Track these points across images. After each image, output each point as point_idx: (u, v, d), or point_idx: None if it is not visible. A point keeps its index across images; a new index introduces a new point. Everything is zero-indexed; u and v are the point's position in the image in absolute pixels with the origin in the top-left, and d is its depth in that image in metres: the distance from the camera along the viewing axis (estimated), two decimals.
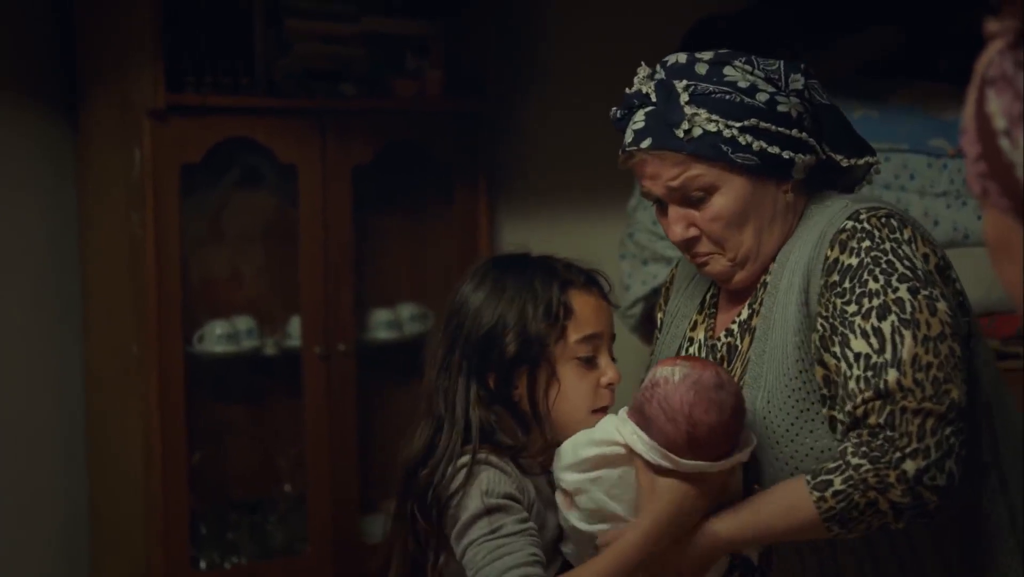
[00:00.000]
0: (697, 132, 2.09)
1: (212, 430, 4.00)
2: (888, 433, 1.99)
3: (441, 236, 4.47)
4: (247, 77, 3.91)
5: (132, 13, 3.70)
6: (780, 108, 2.11)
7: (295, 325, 4.04)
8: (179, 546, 3.77)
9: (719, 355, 2.21)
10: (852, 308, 2.04)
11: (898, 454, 1.98)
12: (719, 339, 2.23)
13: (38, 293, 3.90)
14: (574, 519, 2.15)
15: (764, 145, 2.09)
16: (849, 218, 2.07)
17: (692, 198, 2.13)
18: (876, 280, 2.03)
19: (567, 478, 2.14)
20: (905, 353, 1.99)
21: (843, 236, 2.06)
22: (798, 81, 2.14)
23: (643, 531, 2.09)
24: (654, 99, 2.15)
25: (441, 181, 4.43)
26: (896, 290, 2.02)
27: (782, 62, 2.14)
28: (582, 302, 2.23)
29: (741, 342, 2.19)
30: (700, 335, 2.28)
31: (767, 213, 2.14)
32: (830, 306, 2.06)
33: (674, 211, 2.15)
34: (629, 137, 2.16)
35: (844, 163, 2.17)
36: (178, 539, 3.77)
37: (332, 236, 4.03)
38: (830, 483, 2.01)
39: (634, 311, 3.80)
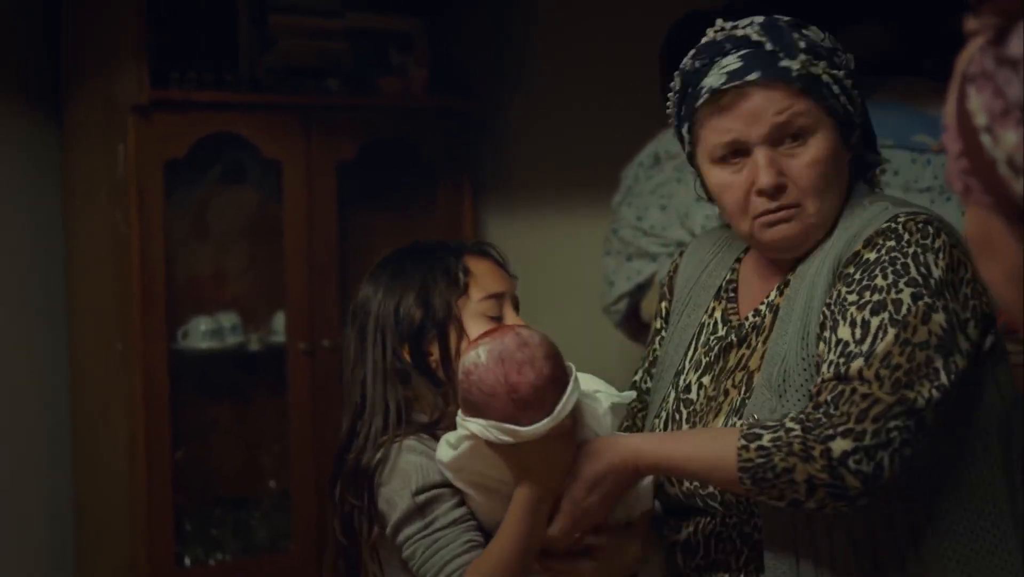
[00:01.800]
0: (803, 70, 2.08)
1: (196, 427, 4.00)
2: (831, 410, 2.00)
3: (426, 232, 4.45)
4: (231, 73, 3.90)
5: (116, 9, 3.70)
6: (851, 65, 2.12)
7: (279, 321, 4.04)
8: (164, 543, 3.77)
9: (744, 333, 2.22)
10: (852, 297, 2.04)
11: (831, 431, 1.98)
12: (746, 319, 2.22)
13: (22, 290, 3.89)
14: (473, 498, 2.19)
15: (846, 101, 2.10)
16: (887, 220, 2.08)
17: (792, 136, 2.10)
18: (885, 278, 2.03)
19: (447, 465, 2.16)
20: (880, 348, 2.00)
21: (875, 236, 2.07)
22: (850, 61, 2.14)
23: (524, 500, 2.13)
24: (759, 39, 2.12)
25: (426, 178, 4.43)
26: (900, 291, 2.02)
27: (834, 44, 2.15)
28: (479, 264, 2.31)
29: (765, 320, 2.19)
30: (717, 316, 2.28)
31: (841, 174, 2.13)
32: (835, 294, 2.07)
33: (765, 155, 2.11)
34: (719, 79, 2.11)
35: (869, 157, 2.19)
36: (163, 536, 3.77)
37: (316, 232, 4.03)
38: (759, 436, 2.01)
39: (618, 307, 3.80)
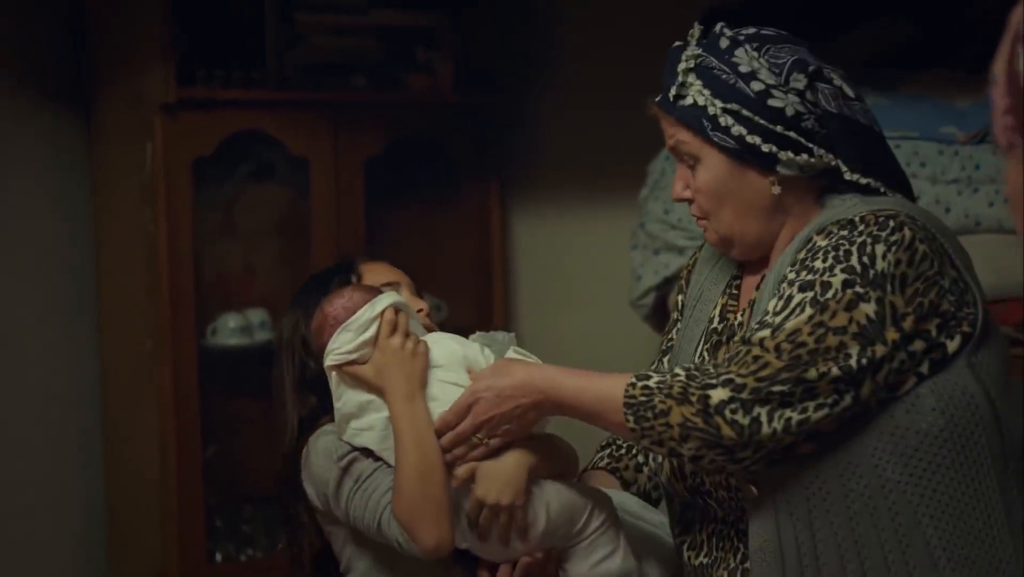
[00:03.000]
0: (688, 101, 2.16)
1: (226, 423, 4.01)
2: (720, 364, 2.04)
3: (453, 229, 4.48)
4: (258, 70, 3.91)
5: (143, 8, 3.71)
6: (772, 102, 2.13)
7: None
8: (194, 539, 3.78)
9: (732, 331, 2.25)
10: (791, 276, 2.10)
11: (713, 380, 2.04)
12: (738, 317, 2.26)
13: (53, 289, 3.91)
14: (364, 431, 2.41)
15: (743, 132, 2.13)
16: (851, 214, 2.10)
17: (685, 163, 2.19)
18: (825, 261, 2.07)
19: (342, 416, 2.42)
20: (791, 323, 2.04)
21: (831, 225, 2.10)
22: (800, 81, 2.14)
23: (392, 400, 2.33)
24: (676, 61, 2.21)
25: (453, 174, 4.43)
26: (833, 275, 2.05)
27: (792, 59, 2.15)
28: (370, 266, 2.60)
29: (746, 316, 2.25)
30: (717, 312, 2.31)
31: (749, 200, 2.18)
32: (784, 276, 2.12)
33: (680, 169, 2.23)
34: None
35: (847, 175, 2.17)
36: (193, 532, 3.78)
37: (344, 228, 4.04)
38: (648, 377, 2.09)
39: (646, 300, 3.80)
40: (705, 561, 2.30)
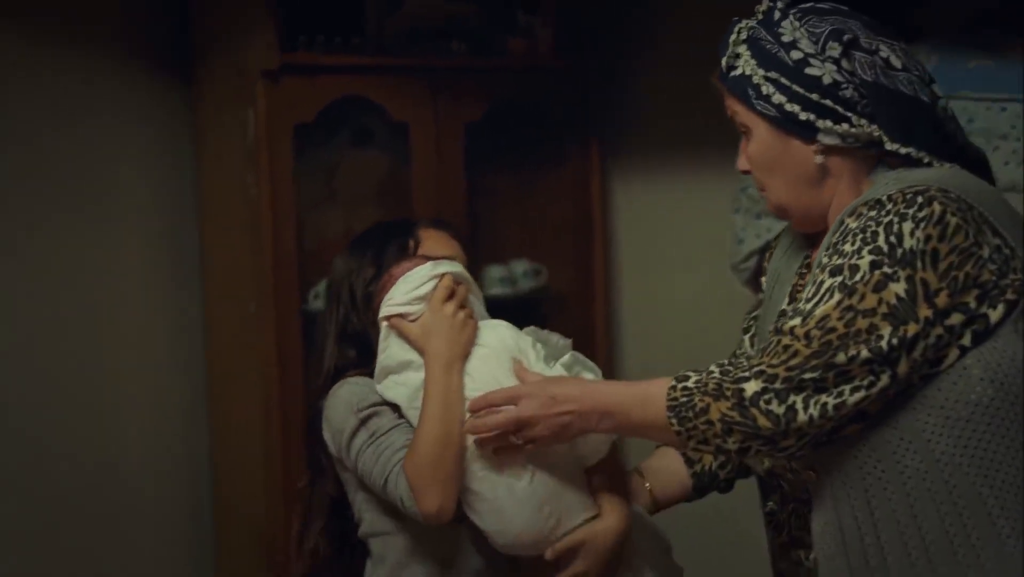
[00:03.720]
0: (737, 71, 2.20)
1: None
2: (753, 356, 2.04)
3: (553, 193, 4.47)
4: (359, 36, 3.93)
5: None
6: (809, 70, 2.14)
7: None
8: (298, 499, 3.81)
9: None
10: (824, 260, 2.11)
11: (745, 373, 2.05)
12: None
13: (159, 255, 3.95)
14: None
15: (783, 100, 2.15)
16: (881, 193, 2.10)
17: (743, 133, 2.22)
18: (853, 244, 2.08)
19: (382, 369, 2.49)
20: (820, 310, 2.05)
21: (861, 206, 2.10)
22: (835, 49, 2.15)
23: (431, 364, 2.39)
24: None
25: (553, 139, 4.43)
26: (860, 258, 2.05)
27: (830, 28, 2.15)
28: (429, 234, 2.66)
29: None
30: (786, 293, 2.31)
31: (794, 169, 2.19)
32: (819, 260, 2.13)
33: (742, 141, 2.26)
34: None
35: (888, 145, 2.16)
36: (297, 495, 3.81)
37: (444, 194, 4.04)
38: (687, 378, 2.12)
39: (747, 264, 3.78)
40: (786, 540, 2.32)
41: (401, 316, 2.46)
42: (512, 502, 2.38)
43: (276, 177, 3.74)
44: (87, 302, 3.80)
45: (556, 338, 2.47)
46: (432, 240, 2.66)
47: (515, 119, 4.31)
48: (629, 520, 2.43)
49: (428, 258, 2.55)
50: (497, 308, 4.29)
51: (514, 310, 4.12)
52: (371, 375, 2.55)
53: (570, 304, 4.47)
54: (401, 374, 2.46)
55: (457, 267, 2.54)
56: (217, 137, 3.90)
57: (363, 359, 2.57)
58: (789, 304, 2.28)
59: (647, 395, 2.16)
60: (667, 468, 2.55)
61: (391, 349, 2.47)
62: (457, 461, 2.35)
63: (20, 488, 3.62)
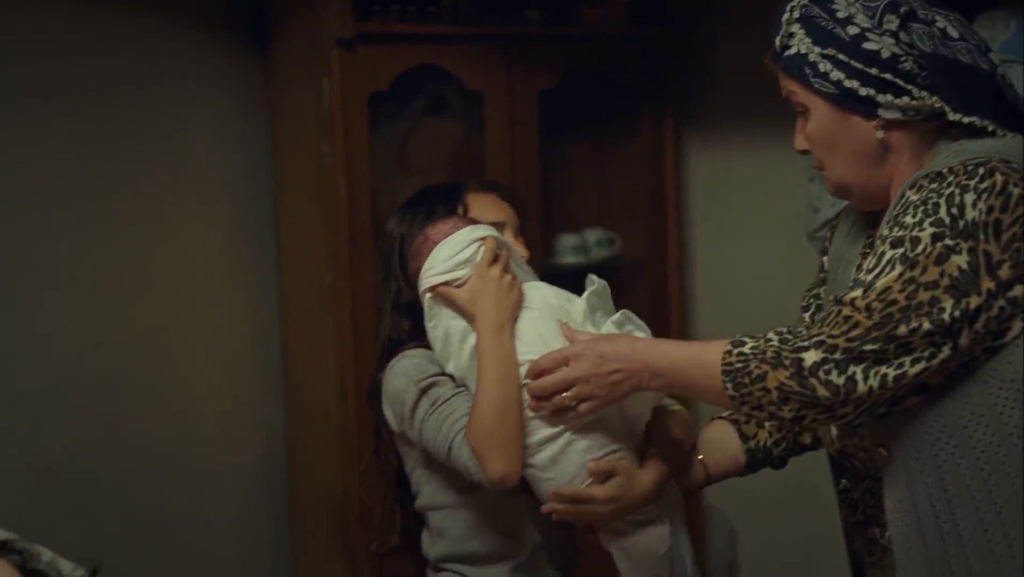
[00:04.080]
0: (792, 50, 2.18)
1: None
2: (813, 327, 2.02)
3: (627, 162, 4.46)
4: (433, 5, 3.92)
5: None
6: (867, 45, 2.12)
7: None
8: (372, 469, 3.83)
9: None
10: (884, 232, 2.08)
11: (805, 342, 2.02)
12: None
13: (234, 225, 3.98)
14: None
15: (842, 77, 2.12)
16: (942, 165, 2.07)
17: (800, 113, 2.20)
18: (915, 216, 2.04)
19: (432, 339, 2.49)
20: (881, 282, 2.02)
21: (922, 179, 2.07)
22: (892, 22, 2.12)
23: (482, 329, 2.38)
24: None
25: (627, 108, 4.41)
26: (922, 230, 2.03)
27: (885, 1, 2.13)
28: (480, 198, 2.63)
29: None
30: (851, 272, 2.29)
31: (855, 146, 2.17)
32: (880, 233, 2.10)
33: (799, 121, 2.23)
34: None
35: (950, 116, 2.13)
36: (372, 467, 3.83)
37: (518, 162, 4.04)
38: (743, 344, 2.09)
39: (823, 233, 3.75)
40: (860, 518, 2.30)
41: (446, 283, 2.45)
42: (567, 466, 2.38)
43: (351, 146, 3.75)
44: (164, 273, 3.82)
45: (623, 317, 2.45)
46: (480, 203, 2.63)
47: (589, 88, 4.30)
48: (662, 480, 2.41)
49: (462, 220, 2.53)
50: (570, 277, 4.32)
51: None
52: (428, 346, 2.55)
53: (643, 273, 4.45)
54: (451, 343, 2.45)
55: (492, 230, 2.51)
56: (292, 107, 3.92)
57: (417, 329, 2.56)
58: None
59: (701, 357, 2.15)
60: (721, 442, 2.54)
61: (438, 319, 2.46)
62: (518, 424, 2.34)
63: (100, 457, 3.66)
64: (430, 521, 2.61)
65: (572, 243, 4.31)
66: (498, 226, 2.56)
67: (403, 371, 2.49)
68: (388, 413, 2.54)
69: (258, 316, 4.01)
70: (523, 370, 2.36)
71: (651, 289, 4.41)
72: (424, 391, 2.45)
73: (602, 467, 2.35)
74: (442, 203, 2.61)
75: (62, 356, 3.60)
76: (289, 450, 4.04)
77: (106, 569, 2.46)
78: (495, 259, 2.45)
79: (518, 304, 2.43)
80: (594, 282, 2.46)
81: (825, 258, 2.43)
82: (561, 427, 2.35)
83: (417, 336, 2.54)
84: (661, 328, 2.73)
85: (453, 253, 2.45)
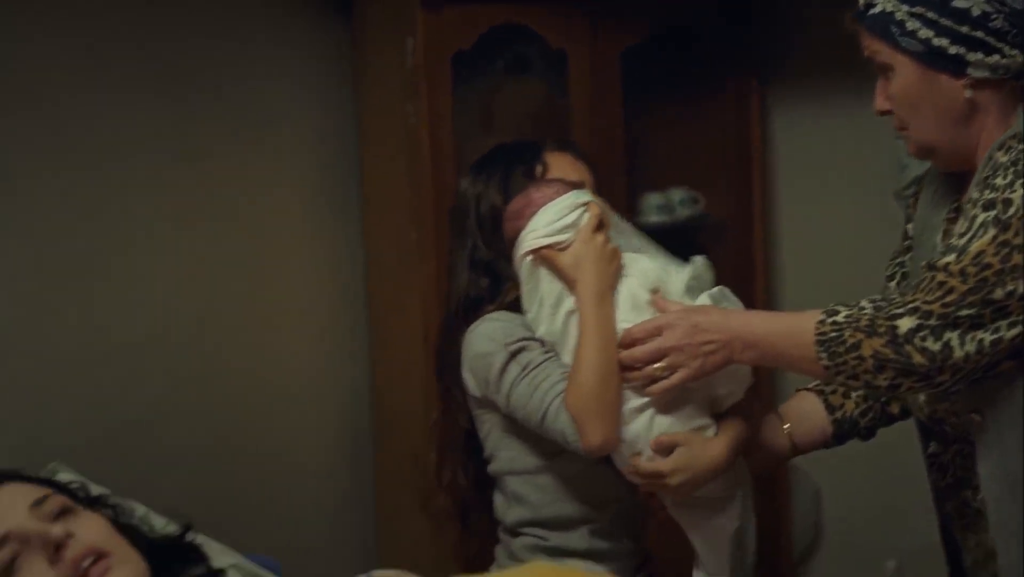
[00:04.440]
0: (877, 9, 2.17)
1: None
2: (907, 294, 2.00)
3: (712, 120, 4.44)
4: None
5: None
6: (957, 3, 2.10)
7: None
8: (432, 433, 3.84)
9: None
10: (975, 195, 2.07)
11: (900, 309, 2.00)
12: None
13: (319, 184, 3.99)
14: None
15: (930, 35, 2.09)
16: None
17: (882, 73, 2.16)
18: (1005, 178, 2.03)
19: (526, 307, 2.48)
20: (975, 246, 2.00)
21: (1009, 139, 2.04)
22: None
23: (582, 295, 2.36)
24: None
25: (712, 68, 4.39)
26: (1013, 191, 2.00)
27: None
28: (557, 157, 2.61)
29: None
30: (938, 239, 2.27)
31: (942, 105, 2.14)
32: (971, 196, 2.09)
33: (879, 81, 2.23)
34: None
35: None
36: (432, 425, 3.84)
37: (602, 121, 4.03)
38: (837, 312, 2.10)
39: (911, 191, 3.71)
40: (950, 481, 2.28)
41: (549, 247, 2.44)
42: (647, 439, 2.37)
43: (435, 106, 3.75)
44: (250, 232, 3.85)
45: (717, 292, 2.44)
46: (559, 163, 2.62)
47: (674, 47, 4.28)
48: (733, 452, 2.39)
49: (564, 184, 2.52)
50: (654, 236, 4.30)
51: (671, 238, 4.12)
52: (507, 308, 2.53)
53: (728, 232, 4.44)
54: (546, 307, 2.44)
55: (597, 199, 2.51)
56: (377, 66, 3.92)
57: (495, 289, 2.55)
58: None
59: (794, 327, 2.14)
60: (807, 412, 2.53)
61: (537, 281, 2.45)
62: (618, 392, 2.33)
63: (189, 415, 3.70)
64: (506, 486, 2.60)
65: (656, 202, 4.30)
66: (576, 185, 2.55)
67: (489, 335, 2.47)
68: (468, 377, 2.52)
69: (343, 274, 4.03)
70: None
71: (735, 247, 4.39)
72: (513, 355, 2.43)
73: (663, 441, 2.34)
74: (519, 162, 2.60)
75: (152, 315, 3.64)
76: (374, 407, 4.07)
77: (196, 526, 2.50)
78: (599, 226, 2.44)
79: (618, 273, 2.42)
80: (698, 262, 2.45)
81: (909, 225, 2.41)
82: (649, 398, 2.35)
83: (494, 296, 2.53)
84: (745, 287, 2.72)
85: (557, 217, 2.43)
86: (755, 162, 4.41)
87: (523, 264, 2.45)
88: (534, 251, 2.44)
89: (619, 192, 4.05)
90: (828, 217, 4.50)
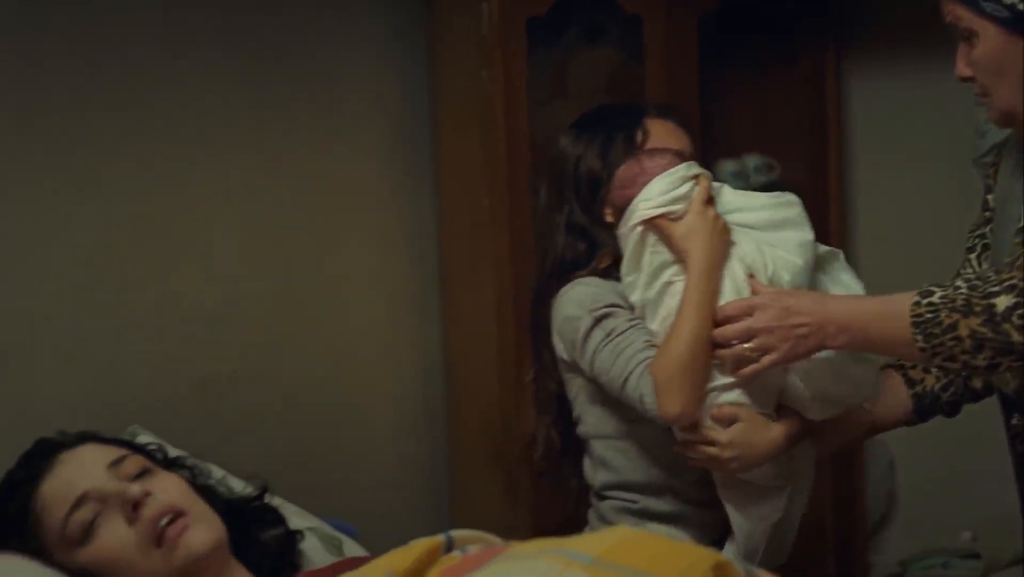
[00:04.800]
0: None
1: None
2: (1003, 271, 1.96)
3: (787, 87, 4.41)
4: None
5: None
6: None
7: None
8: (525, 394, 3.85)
9: None
10: None
11: (996, 287, 1.96)
12: None
13: (393, 150, 3.99)
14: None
15: (1016, 0, 2.03)
16: None
17: (964, 39, 2.13)
18: None
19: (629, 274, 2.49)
20: None
21: None
22: None
23: (692, 268, 2.37)
24: None
25: (788, 31, 4.35)
26: None
27: None
28: (658, 124, 2.62)
29: None
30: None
31: None
32: None
33: (961, 47, 2.22)
34: None
35: None
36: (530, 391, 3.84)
37: (677, 88, 3.99)
38: (932, 293, 2.07)
39: (989, 158, 3.68)
40: None
41: (662, 216, 2.43)
42: (711, 408, 2.37)
43: (509, 72, 3.74)
44: (324, 198, 3.86)
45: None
46: (659, 130, 2.62)
47: (750, 12, 4.24)
48: (792, 439, 2.39)
49: (674, 154, 2.52)
50: None
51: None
52: (599, 274, 2.53)
53: (803, 199, 4.39)
54: (644, 274, 2.44)
55: (708, 174, 2.52)
56: (451, 31, 3.91)
57: (591, 254, 2.55)
58: None
59: (888, 310, 2.11)
60: (887, 388, 2.50)
61: (644, 248, 2.45)
62: (706, 366, 2.33)
63: (264, 380, 3.72)
64: (593, 450, 2.62)
65: (731, 168, 4.28)
66: (677, 153, 2.55)
67: (577, 299, 2.49)
68: (556, 340, 2.54)
69: (416, 239, 4.03)
70: None
71: (810, 215, 4.34)
72: (598, 321, 2.44)
73: (724, 412, 2.34)
74: (621, 127, 2.59)
75: (227, 280, 3.66)
76: (447, 373, 4.08)
77: (272, 489, 2.52)
78: (709, 198, 2.44)
79: (726, 249, 2.41)
80: (819, 249, 2.45)
81: (990, 196, 2.38)
82: (734, 379, 2.34)
83: (590, 260, 2.54)
84: None
85: (670, 188, 2.44)
86: (831, 129, 4.38)
87: (633, 231, 2.45)
88: (647, 220, 2.43)
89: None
90: (905, 186, 4.46)
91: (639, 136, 2.60)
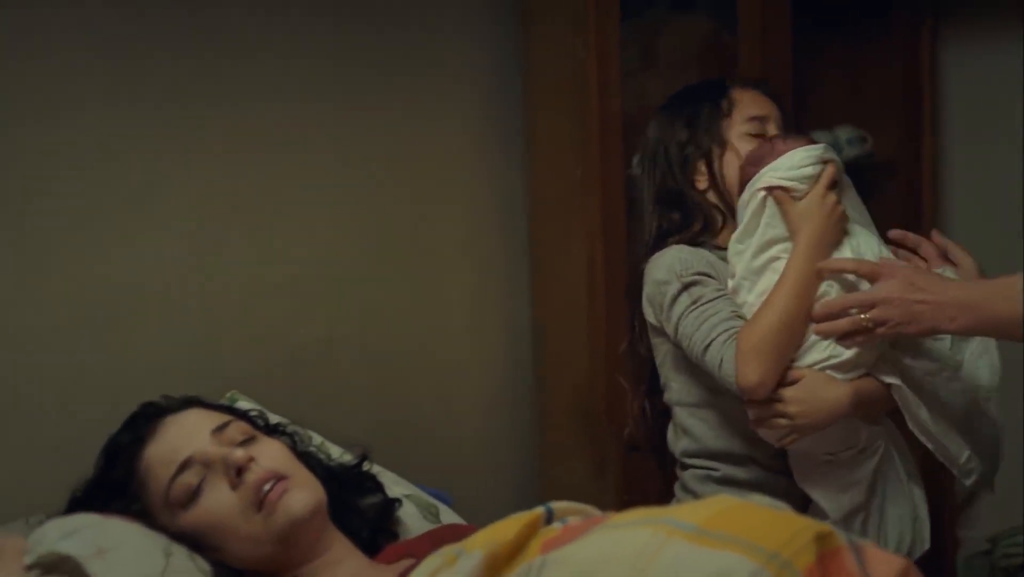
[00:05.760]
0: None
1: None
2: None
3: (881, 58, 4.36)
4: None
5: None
6: None
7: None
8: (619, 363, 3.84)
9: None
10: None
11: None
12: None
13: (483, 118, 3.99)
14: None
15: None
16: None
17: None
18: None
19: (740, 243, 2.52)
20: None
21: None
22: None
23: (801, 242, 2.39)
24: None
25: (882, 2, 4.30)
26: None
27: None
28: (743, 93, 2.69)
29: None
30: None
31: None
32: None
33: None
34: None
35: None
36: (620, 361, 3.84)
37: (769, 58, 3.97)
38: None
39: None
40: None
41: (785, 190, 2.45)
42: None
43: (602, 40, 3.72)
44: (414, 169, 3.86)
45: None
46: (747, 100, 2.65)
47: None
48: (861, 400, 2.37)
49: (809, 140, 2.53)
50: None
51: None
52: (691, 242, 2.55)
53: (896, 172, 4.37)
54: (753, 245, 2.45)
55: (826, 154, 2.53)
56: (544, 1, 3.91)
57: (685, 223, 2.57)
58: None
59: (1011, 290, 2.09)
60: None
61: (759, 219, 2.46)
62: (792, 342, 2.34)
63: (353, 349, 3.74)
64: (676, 417, 2.63)
65: (823, 140, 4.22)
66: (763, 120, 2.56)
67: (667, 264, 2.52)
68: (646, 304, 2.57)
69: (506, 209, 4.03)
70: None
71: (903, 188, 4.32)
72: (686, 287, 2.47)
73: (792, 375, 2.34)
74: (707, 100, 2.63)
75: (320, 249, 3.68)
76: (535, 344, 4.08)
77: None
78: (832, 184, 2.46)
79: (840, 236, 2.43)
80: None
81: None
82: (829, 353, 2.34)
83: (684, 229, 2.56)
84: (912, 229, 2.68)
85: (801, 164, 2.45)
86: (925, 100, 4.34)
87: (753, 198, 2.47)
88: (771, 188, 2.45)
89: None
90: (1000, 158, 4.40)
91: (725, 105, 2.63)
